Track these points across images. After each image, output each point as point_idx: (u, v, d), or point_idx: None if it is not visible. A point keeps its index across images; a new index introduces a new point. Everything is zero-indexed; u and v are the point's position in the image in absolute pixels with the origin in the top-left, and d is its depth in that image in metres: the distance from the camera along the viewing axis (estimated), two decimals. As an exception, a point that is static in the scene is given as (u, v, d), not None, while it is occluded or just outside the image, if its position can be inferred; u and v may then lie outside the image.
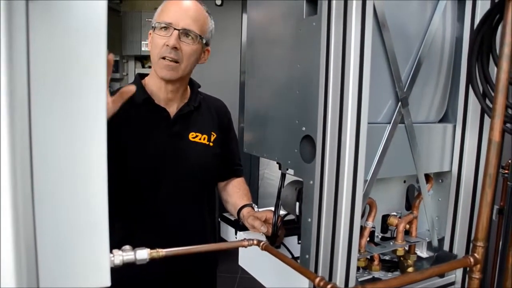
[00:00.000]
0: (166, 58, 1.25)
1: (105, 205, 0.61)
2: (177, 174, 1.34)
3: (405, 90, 0.92)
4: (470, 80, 0.90)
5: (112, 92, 1.03)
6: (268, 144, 1.01)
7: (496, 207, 1.71)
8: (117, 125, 1.23)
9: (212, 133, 1.41)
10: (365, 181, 0.87)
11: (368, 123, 0.81)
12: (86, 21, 0.58)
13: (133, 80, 1.41)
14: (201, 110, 1.43)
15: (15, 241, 0.49)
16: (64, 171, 0.59)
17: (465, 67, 0.97)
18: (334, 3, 0.76)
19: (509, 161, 1.55)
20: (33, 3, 0.54)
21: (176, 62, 1.26)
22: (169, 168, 1.32)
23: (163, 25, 1.26)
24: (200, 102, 1.43)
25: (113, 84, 3.68)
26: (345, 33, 0.76)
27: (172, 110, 1.36)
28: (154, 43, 1.27)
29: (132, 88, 1.00)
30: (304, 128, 0.85)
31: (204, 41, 1.31)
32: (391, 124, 0.90)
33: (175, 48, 1.24)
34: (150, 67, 3.93)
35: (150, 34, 1.33)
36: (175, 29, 1.24)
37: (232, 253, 1.15)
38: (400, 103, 0.91)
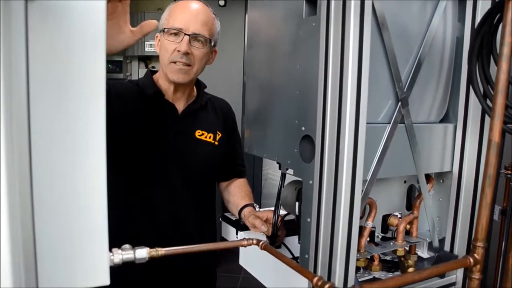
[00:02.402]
0: (178, 62, 1.26)
1: (104, 204, 0.62)
2: (182, 171, 1.35)
3: (405, 90, 0.92)
4: (470, 80, 0.89)
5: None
6: (268, 144, 1.01)
7: (499, 207, 1.71)
8: (124, 117, 1.26)
9: (218, 132, 1.43)
10: (365, 181, 0.87)
11: (368, 123, 0.81)
12: (85, 22, 0.59)
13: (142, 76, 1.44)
14: (207, 109, 1.45)
15: (12, 239, 0.49)
16: (63, 170, 0.59)
17: (466, 67, 0.96)
18: (333, 3, 0.76)
19: (512, 162, 1.55)
20: (32, 4, 0.55)
21: (188, 65, 1.28)
22: (174, 165, 1.34)
23: (173, 30, 1.26)
24: (207, 101, 1.45)
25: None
26: (344, 33, 0.76)
27: (180, 107, 1.37)
28: (164, 48, 1.28)
29: (154, 23, 0.97)
30: (303, 128, 0.85)
31: (212, 43, 1.33)
32: (391, 124, 0.90)
33: (186, 54, 1.25)
34: (153, 67, 3.93)
35: (157, 37, 1.34)
36: (185, 34, 1.25)
37: (234, 253, 1.15)
38: (400, 103, 0.91)
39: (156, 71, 1.41)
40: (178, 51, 1.25)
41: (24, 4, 0.54)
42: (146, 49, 3.78)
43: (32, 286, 0.57)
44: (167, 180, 1.33)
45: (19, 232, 0.52)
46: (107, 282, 0.63)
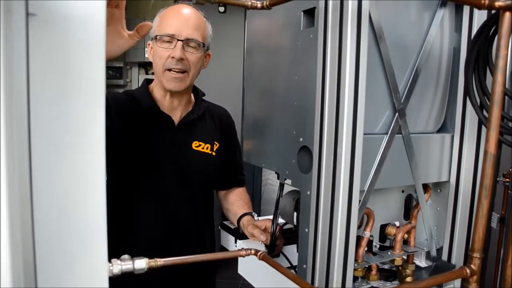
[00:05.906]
0: (173, 70, 1.26)
1: (103, 214, 0.62)
2: (179, 183, 1.35)
3: (402, 101, 0.92)
4: (467, 91, 0.90)
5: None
6: (266, 154, 1.02)
7: (497, 215, 1.71)
8: (122, 130, 1.26)
9: (215, 142, 1.42)
10: (363, 191, 0.87)
11: (366, 133, 0.81)
12: (85, 33, 0.59)
13: (139, 85, 1.44)
14: (205, 118, 1.43)
15: (12, 252, 0.49)
16: (62, 179, 0.59)
17: (463, 78, 0.97)
18: (330, 15, 0.77)
19: (510, 170, 1.55)
20: (33, 17, 0.55)
21: (184, 72, 1.27)
22: (171, 176, 1.33)
23: (165, 37, 1.26)
24: (205, 110, 1.43)
25: (117, 90, 3.70)
26: (341, 45, 0.77)
27: (176, 118, 1.36)
28: (158, 55, 1.28)
29: (149, 25, 1.00)
30: (301, 139, 0.86)
31: (205, 47, 1.33)
32: (388, 134, 0.91)
33: (181, 60, 1.25)
34: (153, 73, 3.94)
35: (149, 44, 1.34)
36: (178, 40, 1.25)
37: (234, 260, 1.15)
38: (397, 114, 0.92)
39: (152, 80, 1.41)
40: (173, 57, 1.24)
41: (25, 18, 0.55)
42: (146, 56, 3.79)
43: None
44: (165, 192, 1.33)
45: (18, 243, 0.52)
46: (105, 291, 0.64)
